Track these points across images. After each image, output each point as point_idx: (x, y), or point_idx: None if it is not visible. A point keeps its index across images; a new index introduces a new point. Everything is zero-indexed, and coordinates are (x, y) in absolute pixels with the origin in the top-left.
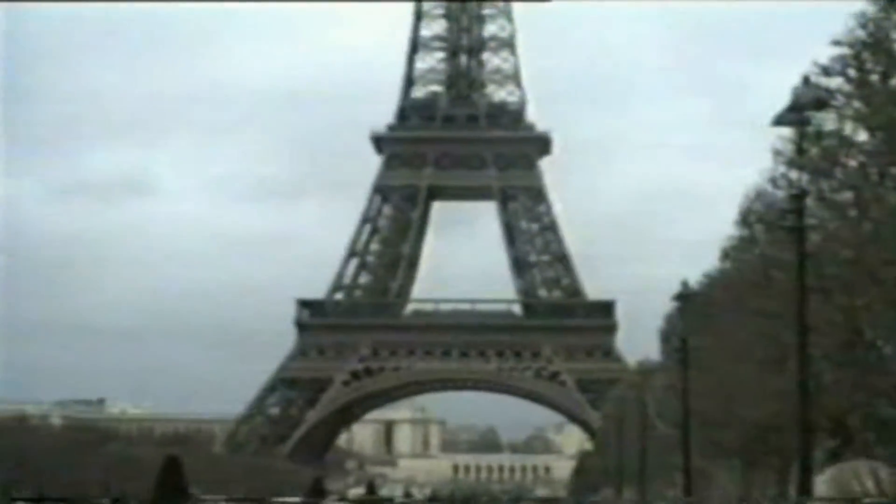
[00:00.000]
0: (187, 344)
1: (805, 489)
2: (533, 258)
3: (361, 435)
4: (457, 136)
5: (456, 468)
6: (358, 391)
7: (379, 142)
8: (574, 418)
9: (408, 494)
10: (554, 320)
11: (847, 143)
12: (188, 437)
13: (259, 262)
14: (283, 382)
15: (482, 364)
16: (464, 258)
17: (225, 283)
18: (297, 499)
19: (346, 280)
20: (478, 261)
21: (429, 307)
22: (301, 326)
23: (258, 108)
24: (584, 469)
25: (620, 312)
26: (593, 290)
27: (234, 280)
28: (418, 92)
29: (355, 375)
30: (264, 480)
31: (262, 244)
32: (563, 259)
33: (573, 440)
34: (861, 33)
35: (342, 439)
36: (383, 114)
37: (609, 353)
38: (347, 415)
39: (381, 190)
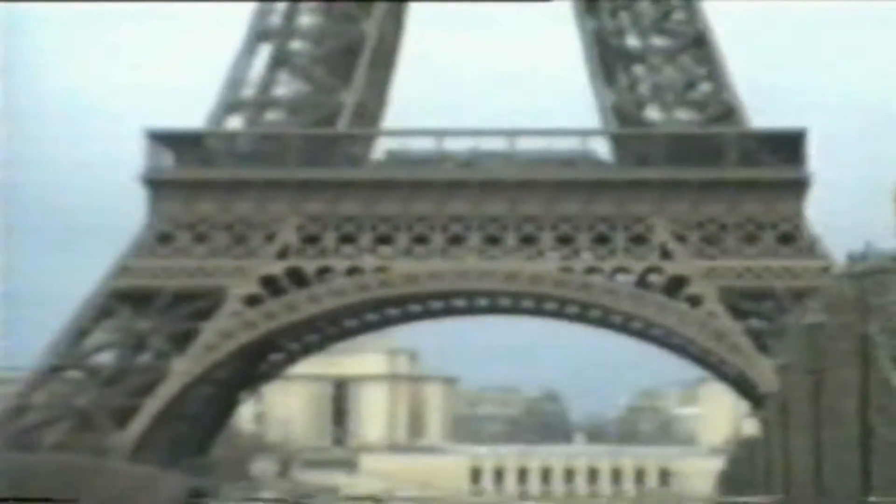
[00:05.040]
0: None
1: None
2: (636, 43)
3: (286, 405)
4: None
5: (476, 474)
6: (277, 318)
7: None
8: (718, 372)
9: None
10: (678, 170)
11: None
12: None
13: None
14: (122, 300)
15: (530, 261)
16: (488, 49)
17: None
18: None
19: (250, 90)
20: (518, 55)
21: (420, 146)
22: (156, 185)
23: None
24: (740, 477)
25: (816, 156)
26: (758, 111)
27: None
28: None
29: (272, 286)
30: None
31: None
32: (699, 45)
33: (717, 416)
34: None
35: (246, 414)
36: None
37: (792, 237)
38: (256, 364)
39: None
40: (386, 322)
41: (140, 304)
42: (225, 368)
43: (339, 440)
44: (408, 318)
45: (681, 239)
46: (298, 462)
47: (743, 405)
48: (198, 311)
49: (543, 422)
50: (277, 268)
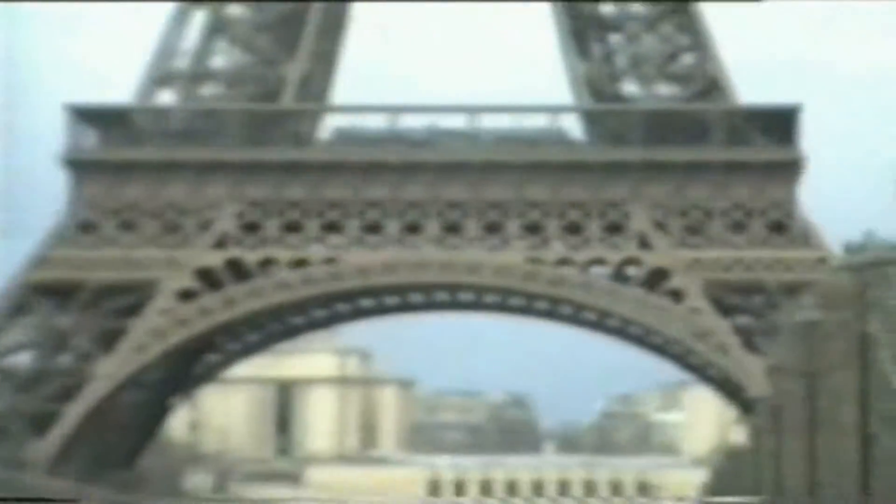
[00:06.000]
0: None
1: None
2: (611, 9)
3: (224, 411)
4: None
5: (435, 487)
6: (214, 314)
7: None
8: (703, 375)
9: None
10: (658, 150)
11: None
12: None
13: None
14: (40, 294)
15: (494, 252)
16: (450, 15)
17: None
18: None
19: (183, 61)
20: (484, 23)
21: (373, 124)
22: (78, 167)
23: None
24: (726, 489)
25: (810, 136)
26: (746, 85)
27: None
28: None
29: (208, 279)
30: None
31: None
32: (681, 11)
33: (701, 423)
34: None
35: (180, 422)
36: None
37: (784, 225)
38: (191, 366)
39: None
40: (335, 319)
41: (60, 300)
42: (156, 371)
43: (283, 450)
44: (359, 314)
45: (661, 227)
46: (238, 475)
47: (730, 411)
48: (125, 307)
49: (509, 429)
50: (214, 259)
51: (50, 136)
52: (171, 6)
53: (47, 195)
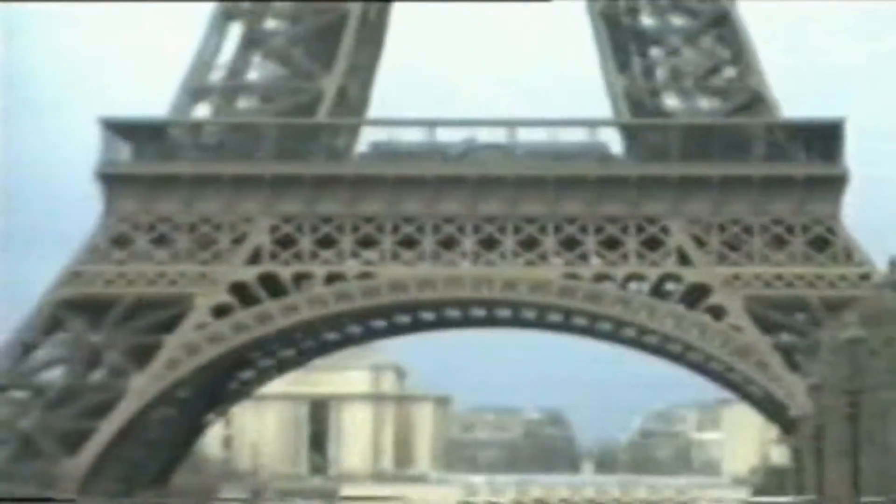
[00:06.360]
0: None
1: None
2: (652, 23)
3: (257, 428)
4: None
5: None
6: (248, 330)
7: None
8: (744, 393)
9: None
10: (698, 165)
11: None
12: None
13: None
14: (73, 310)
15: (531, 267)
16: (488, 31)
17: None
18: None
19: (219, 74)
20: (523, 38)
21: (409, 137)
22: (111, 181)
23: None
24: None
25: (853, 150)
26: (788, 99)
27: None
28: None
29: (242, 294)
30: None
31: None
32: (722, 24)
33: (742, 441)
34: None
35: (213, 438)
36: None
37: (826, 241)
38: (225, 383)
39: None
40: (370, 335)
41: (93, 315)
42: (189, 387)
43: (316, 468)
44: (395, 330)
45: (701, 243)
46: (271, 492)
47: (771, 430)
48: (159, 322)
49: (546, 447)
50: (248, 274)
51: (80, 150)
52: (201, 19)
53: (79, 209)
